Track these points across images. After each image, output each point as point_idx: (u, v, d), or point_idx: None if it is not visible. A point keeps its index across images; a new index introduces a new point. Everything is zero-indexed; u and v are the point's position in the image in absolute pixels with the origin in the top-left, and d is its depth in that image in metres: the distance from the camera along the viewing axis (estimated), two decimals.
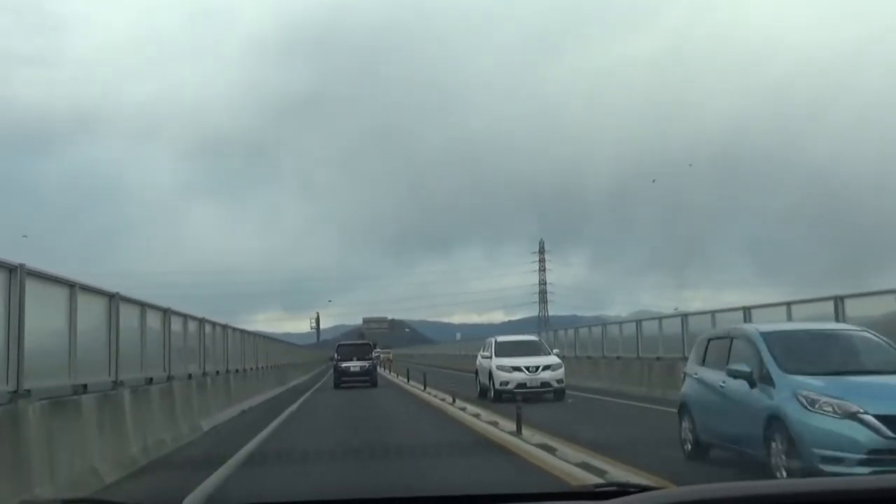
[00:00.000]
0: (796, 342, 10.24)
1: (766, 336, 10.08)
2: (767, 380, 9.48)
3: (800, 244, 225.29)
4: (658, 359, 25.22)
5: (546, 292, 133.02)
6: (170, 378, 15.06)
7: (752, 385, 9.67)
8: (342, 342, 42.64)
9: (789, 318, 17.35)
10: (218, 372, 20.55)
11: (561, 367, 23.86)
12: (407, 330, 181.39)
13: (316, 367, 59.70)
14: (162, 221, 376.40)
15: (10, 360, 8.07)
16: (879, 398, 8.64)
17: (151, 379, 13.77)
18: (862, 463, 8.13)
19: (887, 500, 2.18)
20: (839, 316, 15.87)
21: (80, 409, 9.86)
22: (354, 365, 35.14)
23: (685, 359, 23.32)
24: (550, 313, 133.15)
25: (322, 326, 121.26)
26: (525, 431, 13.90)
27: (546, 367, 23.56)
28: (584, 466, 10.17)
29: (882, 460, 8.08)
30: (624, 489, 2.63)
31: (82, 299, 10.29)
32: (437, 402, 23.51)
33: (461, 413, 19.19)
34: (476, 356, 27.33)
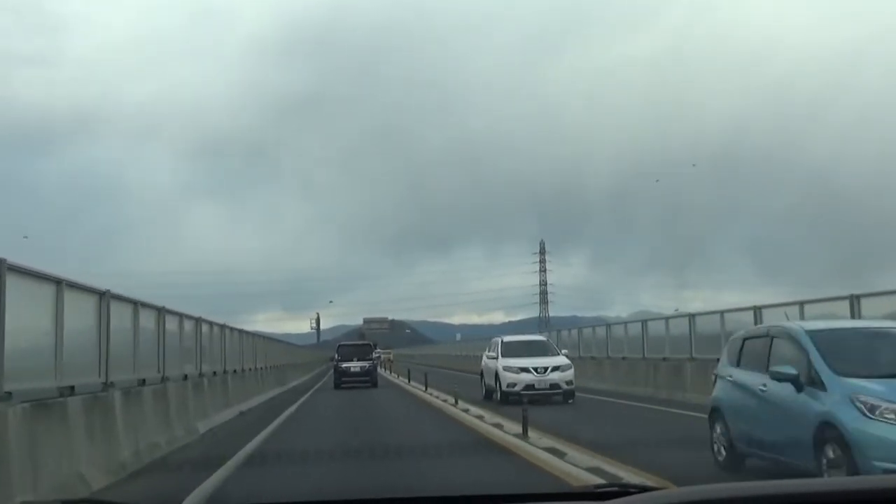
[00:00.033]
0: (846, 342, 9.33)
1: (814, 335, 9.18)
2: (817, 383, 8.62)
3: (800, 244, 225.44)
4: (664, 359, 24.79)
5: (546, 293, 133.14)
6: (164, 379, 14.65)
7: (800, 389, 8.80)
8: (342, 342, 42.73)
9: (801, 317, 16.85)
10: (215, 373, 20.14)
11: (570, 368, 23.11)
12: (407, 330, 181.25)
13: (316, 367, 59.74)
14: (162, 221, 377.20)
15: None
16: None
17: (144, 380, 13.35)
18: None
19: (888, 500, 2.16)
20: (855, 315, 15.41)
21: (67, 411, 9.40)
22: (355, 365, 35.04)
23: (693, 359, 23.19)
24: (550, 314, 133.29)
25: (322, 327, 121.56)
26: (532, 434, 13.47)
27: (555, 368, 22.84)
28: (596, 471, 9.74)
29: None
30: (624, 489, 2.61)
31: (70, 297, 9.84)
32: (438, 403, 23.14)
33: (464, 414, 18.85)
34: (477, 356, 26.89)
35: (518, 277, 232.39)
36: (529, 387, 22.03)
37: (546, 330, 76.91)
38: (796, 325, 10.20)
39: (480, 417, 17.63)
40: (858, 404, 8.03)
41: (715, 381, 11.16)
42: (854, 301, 15.86)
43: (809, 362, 8.82)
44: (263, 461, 12.19)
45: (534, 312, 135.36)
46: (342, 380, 34.61)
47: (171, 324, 15.88)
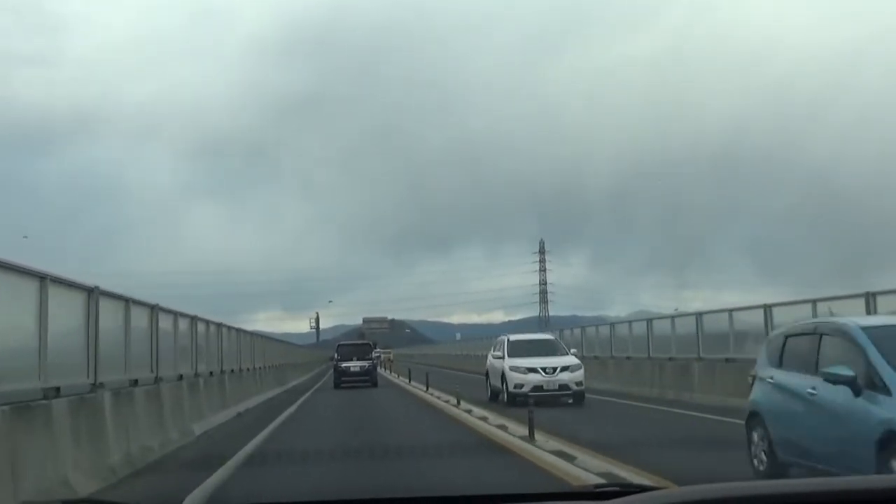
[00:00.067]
0: None
1: (871, 332, 8.21)
2: (878, 386, 7.69)
3: (800, 244, 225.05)
4: (670, 359, 24.33)
5: (546, 292, 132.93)
6: (157, 379, 14.17)
7: (858, 393, 7.87)
8: (342, 342, 42.64)
9: (814, 315, 16.38)
10: (212, 373, 19.67)
11: (580, 368, 22.23)
12: (407, 330, 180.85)
13: (316, 367, 59.62)
14: (162, 221, 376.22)
15: None
16: None
17: (137, 381, 12.87)
18: None
19: (887, 500, 2.14)
20: (871, 314, 14.91)
21: (51, 414, 8.92)
22: (354, 365, 34.92)
23: (700, 359, 22.74)
24: (550, 313, 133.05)
25: (322, 326, 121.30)
26: (538, 436, 13.01)
27: (564, 369, 21.98)
28: (609, 476, 9.23)
29: None
30: (625, 489, 2.63)
31: (56, 293, 9.37)
32: (440, 403, 22.70)
33: (466, 415, 18.46)
34: (477, 356, 26.39)
35: (518, 277, 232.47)
36: (538, 388, 21.20)
37: (547, 330, 76.53)
38: (850, 320, 9.14)
39: (484, 419, 17.19)
40: None
41: (753, 382, 10.24)
42: (870, 299, 15.37)
43: (868, 363, 7.88)
44: (263, 461, 12.07)
45: (533, 312, 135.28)
46: (342, 379, 34.50)
47: (165, 322, 15.42)
